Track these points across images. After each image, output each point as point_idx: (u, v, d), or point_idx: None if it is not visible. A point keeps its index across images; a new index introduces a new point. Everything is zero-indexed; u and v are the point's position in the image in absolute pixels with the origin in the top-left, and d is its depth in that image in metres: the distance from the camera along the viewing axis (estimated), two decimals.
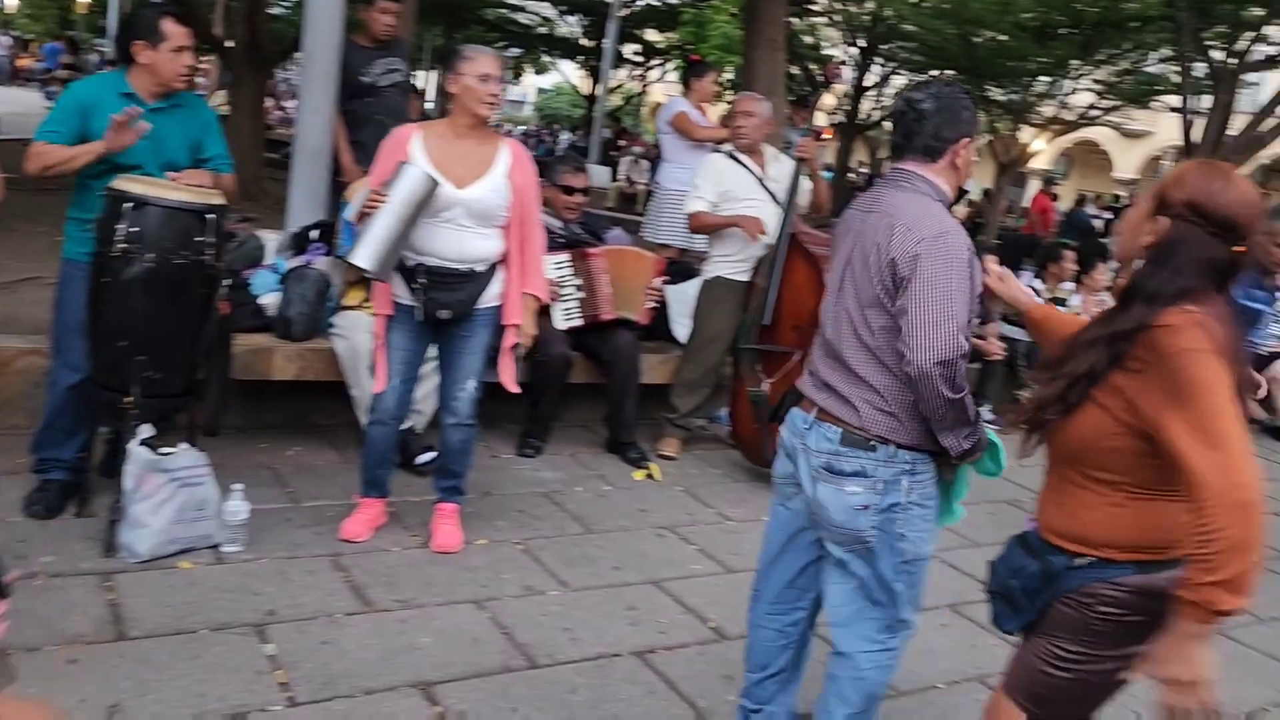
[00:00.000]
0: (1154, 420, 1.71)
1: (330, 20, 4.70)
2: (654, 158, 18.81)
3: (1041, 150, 20.39)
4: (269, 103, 19.95)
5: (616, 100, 27.82)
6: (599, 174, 17.99)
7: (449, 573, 3.39)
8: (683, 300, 5.27)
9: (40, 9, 32.28)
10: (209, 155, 3.48)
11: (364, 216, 3.15)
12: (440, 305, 3.36)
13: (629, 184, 16.43)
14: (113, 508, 3.15)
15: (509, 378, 3.60)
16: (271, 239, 4.73)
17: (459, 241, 3.33)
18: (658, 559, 3.77)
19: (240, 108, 9.53)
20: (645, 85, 28.82)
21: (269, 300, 4.29)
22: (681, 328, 5.21)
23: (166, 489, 3.15)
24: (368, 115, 5.03)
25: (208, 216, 3.18)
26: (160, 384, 3.18)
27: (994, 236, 18.98)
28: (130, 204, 3.07)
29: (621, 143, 20.51)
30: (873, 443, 2.17)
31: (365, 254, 3.12)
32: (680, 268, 5.56)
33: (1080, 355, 1.84)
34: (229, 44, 10.68)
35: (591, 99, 23.21)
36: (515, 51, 31.17)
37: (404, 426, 4.15)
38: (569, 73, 30.23)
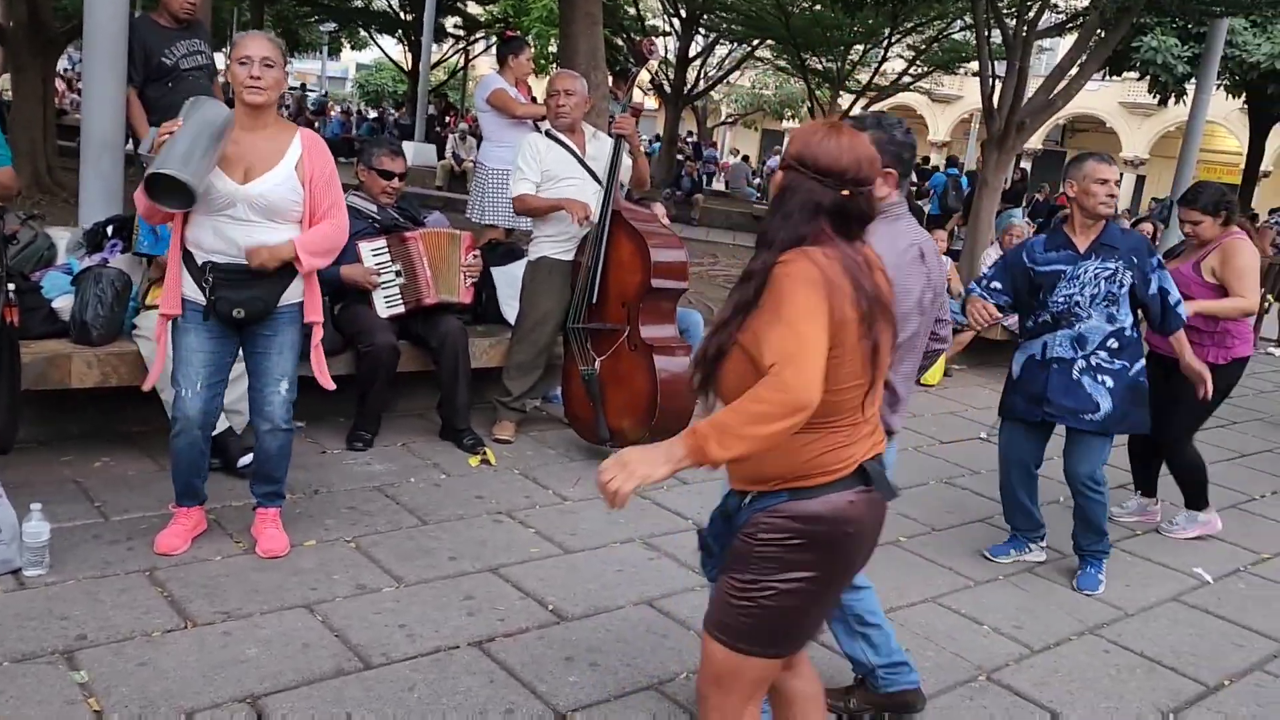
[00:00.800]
0: (760, 338, 1.89)
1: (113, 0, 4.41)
2: (480, 135, 18.62)
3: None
4: (60, 87, 18.61)
5: (440, 75, 27.26)
6: (424, 152, 17.66)
7: (276, 578, 3.29)
8: (510, 282, 5.24)
9: None
10: None
11: (161, 145, 2.94)
12: (233, 304, 3.21)
13: (456, 162, 16.15)
14: None
15: (322, 375, 3.49)
16: (63, 237, 4.43)
17: (245, 236, 3.19)
18: (495, 545, 3.75)
19: (25, 94, 8.85)
20: (469, 59, 28.34)
21: (63, 303, 4.02)
22: (510, 309, 5.18)
23: None
24: (169, 100, 4.75)
25: None
26: None
27: None
28: None
29: (448, 120, 20.12)
30: None
31: (171, 163, 2.88)
32: (506, 249, 5.52)
33: (725, 305, 2.02)
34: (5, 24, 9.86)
35: (414, 74, 22.66)
36: (331, 26, 30.09)
37: (223, 428, 3.99)
38: (389, 47, 29.38)
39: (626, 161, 4.74)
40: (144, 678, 2.65)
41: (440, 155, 17.60)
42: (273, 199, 3.19)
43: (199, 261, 3.20)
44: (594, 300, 4.59)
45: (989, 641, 3.47)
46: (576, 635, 3.17)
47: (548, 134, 4.72)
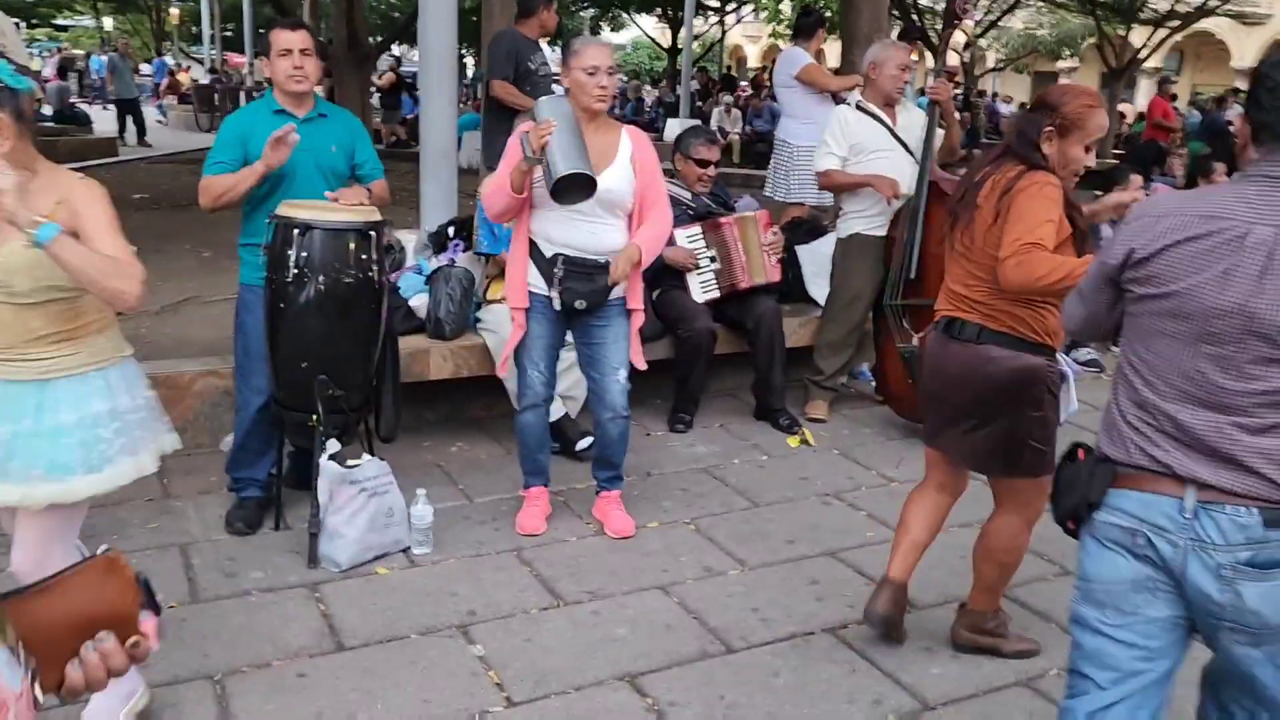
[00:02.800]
0: None
1: (446, 22, 4.74)
2: (744, 107, 18.55)
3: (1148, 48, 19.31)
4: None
5: (697, 49, 27.44)
6: (674, 128, 17.84)
7: (629, 559, 3.45)
8: (816, 259, 5.20)
9: (136, 25, 33.37)
10: (360, 161, 3.57)
11: (543, 148, 3.11)
12: (577, 295, 3.38)
13: (722, 136, 16.22)
14: (310, 521, 3.29)
15: (638, 356, 3.61)
16: (409, 239, 4.84)
17: (592, 234, 3.35)
18: (829, 529, 3.76)
19: (346, 104, 9.71)
20: (725, 31, 28.31)
21: (418, 302, 4.39)
22: (817, 288, 5.15)
23: (358, 500, 3.28)
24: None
25: (370, 234, 3.26)
26: (342, 400, 3.30)
27: (1113, 148, 18.16)
28: (297, 229, 3.17)
29: (734, 95, 20.04)
30: None
31: (571, 163, 3.07)
32: (811, 226, 5.48)
33: None
34: (324, 39, 10.89)
35: (673, 50, 22.94)
36: (591, 12, 30.95)
37: (559, 415, 4.23)
38: (647, 26, 29.88)
39: (940, 130, 4.56)
40: (532, 653, 2.87)
41: None
42: (616, 193, 3.33)
43: (548, 254, 3.38)
44: (912, 276, 4.47)
45: None
46: (930, 624, 3.11)
47: (858, 106, 4.62)
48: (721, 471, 4.26)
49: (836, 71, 6.74)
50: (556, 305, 3.41)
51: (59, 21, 35.59)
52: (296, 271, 3.17)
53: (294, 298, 3.20)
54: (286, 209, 3.23)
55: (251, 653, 2.81)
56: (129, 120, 15.68)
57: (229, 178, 3.32)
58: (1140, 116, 19.06)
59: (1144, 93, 24.28)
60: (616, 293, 3.46)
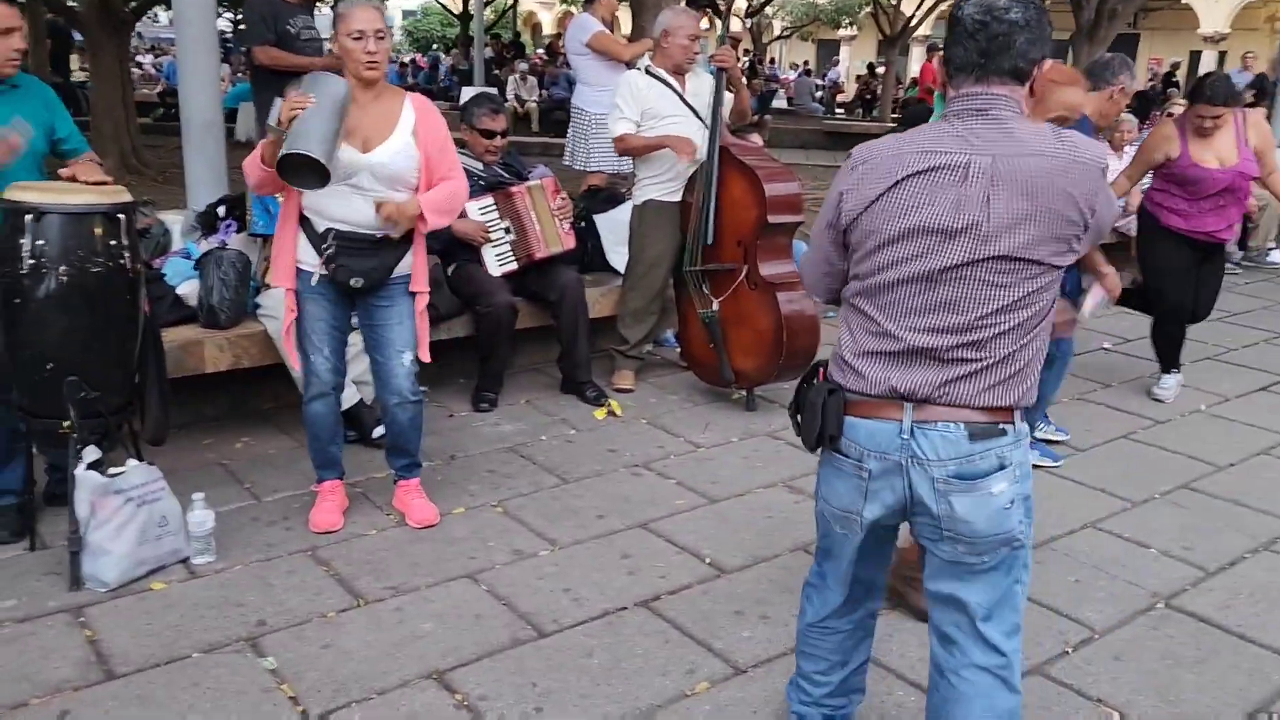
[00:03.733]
0: None
1: None
2: (541, 74, 18.30)
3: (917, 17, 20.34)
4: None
5: (490, 15, 26.88)
6: (469, 94, 17.44)
7: (433, 549, 3.30)
8: (615, 228, 5.15)
9: None
10: (62, 135, 3.24)
11: (291, 120, 2.87)
12: (352, 273, 3.18)
13: (519, 104, 15.95)
14: (70, 538, 2.95)
15: (424, 346, 3.41)
16: (175, 221, 4.44)
17: (369, 206, 3.14)
18: (639, 500, 3.72)
19: (103, 75, 8.91)
20: None
21: (187, 289, 4.04)
22: (616, 256, 5.10)
23: (124, 511, 2.97)
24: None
25: (119, 216, 2.93)
26: (97, 402, 2.97)
27: (891, 112, 19.07)
28: (29, 215, 2.81)
29: (528, 62, 19.69)
30: (1002, 426, 1.89)
31: (313, 145, 2.83)
32: (608, 194, 5.41)
33: None
34: (73, 4, 9.92)
35: (464, 17, 22.35)
36: None
37: (354, 401, 4.00)
38: None
39: (728, 95, 4.57)
40: (330, 660, 2.68)
41: (503, 98, 17.41)
42: (394, 167, 3.13)
43: (319, 228, 3.16)
44: (709, 241, 4.47)
45: (1160, 566, 3.35)
46: (740, 589, 3.12)
47: (647, 70, 4.56)
48: (529, 450, 4.15)
49: (630, 38, 6.68)
50: (328, 283, 3.18)
51: None
52: (33, 263, 2.81)
53: (31, 292, 2.84)
54: (14, 192, 2.85)
55: (4, 693, 2.49)
56: None
57: None
58: (914, 82, 20.14)
59: (916, 59, 25.57)
60: (400, 271, 3.26)
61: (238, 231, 4.20)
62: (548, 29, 38.02)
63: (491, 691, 2.58)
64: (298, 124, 2.84)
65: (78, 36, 16.84)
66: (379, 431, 4.03)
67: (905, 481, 1.92)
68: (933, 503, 1.91)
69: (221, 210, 4.27)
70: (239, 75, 15.41)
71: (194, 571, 3.10)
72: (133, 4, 9.27)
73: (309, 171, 2.87)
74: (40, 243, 2.81)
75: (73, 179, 2.98)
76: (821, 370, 2.06)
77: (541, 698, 2.56)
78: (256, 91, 5.30)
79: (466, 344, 4.53)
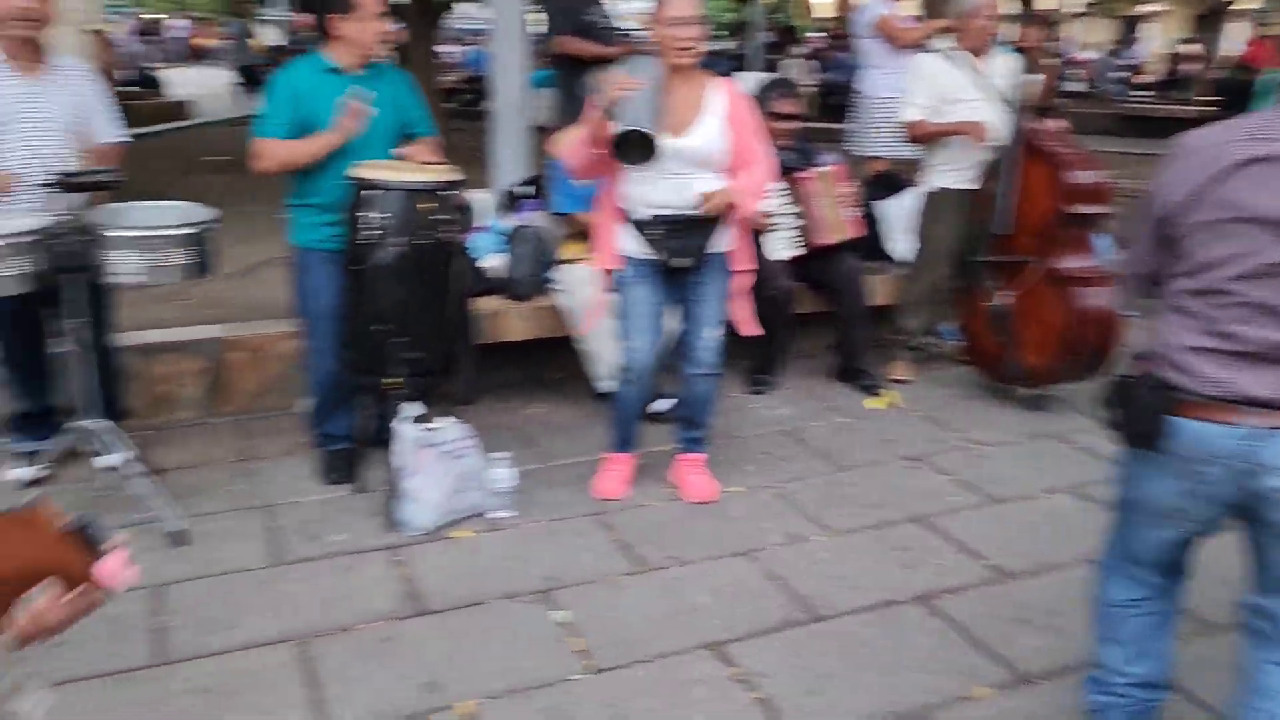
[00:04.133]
0: None
1: None
2: (823, 58, 18.08)
3: None
4: None
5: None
6: (749, 81, 17.47)
7: (711, 525, 3.39)
8: (898, 216, 5.04)
9: None
10: (413, 119, 3.52)
11: (615, 103, 3.03)
12: (677, 253, 3.29)
13: None
14: (390, 485, 3.28)
15: (746, 322, 3.52)
16: (481, 199, 4.78)
17: (685, 188, 3.24)
18: (915, 493, 3.65)
19: (415, 63, 9.67)
20: None
21: (491, 263, 4.35)
22: (898, 244, 4.99)
23: (438, 463, 3.26)
24: None
25: (445, 193, 3.20)
26: (419, 362, 3.27)
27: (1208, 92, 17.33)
28: (374, 191, 3.12)
29: (802, 47, 19.56)
30: None
31: (645, 122, 2.99)
32: (891, 180, 5.30)
33: None
34: None
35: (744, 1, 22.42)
36: None
37: None
38: None
39: (1028, 78, 4.34)
40: (614, 620, 2.83)
41: None
42: (705, 151, 3.22)
43: (638, 214, 3.29)
44: (1005, 230, 4.28)
45: None
46: (1023, 595, 3.00)
47: (943, 53, 4.42)
48: (804, 434, 4.16)
49: (922, 18, 6.48)
50: (657, 266, 3.31)
51: None
52: (373, 233, 3.13)
53: (370, 260, 3.16)
54: (361, 170, 3.18)
55: (335, 616, 2.81)
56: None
57: (289, 145, 3.28)
58: (1240, 62, 18.06)
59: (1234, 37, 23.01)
60: (720, 247, 3.35)
61: (539, 210, 4.47)
62: (824, 12, 37.47)
63: (768, 668, 2.62)
64: (626, 105, 2.99)
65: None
66: (658, 406, 4.18)
67: (1241, 486, 1.80)
68: (1273, 512, 1.77)
69: (524, 189, 4.57)
70: (537, 64, 16.25)
71: (494, 525, 3.35)
72: None
73: (639, 148, 3.02)
74: (381, 215, 3.12)
75: (405, 159, 3.27)
76: (1144, 366, 1.95)
77: (819, 681, 2.58)
78: (559, 79, 5.58)
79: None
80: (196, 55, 27.61)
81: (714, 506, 3.51)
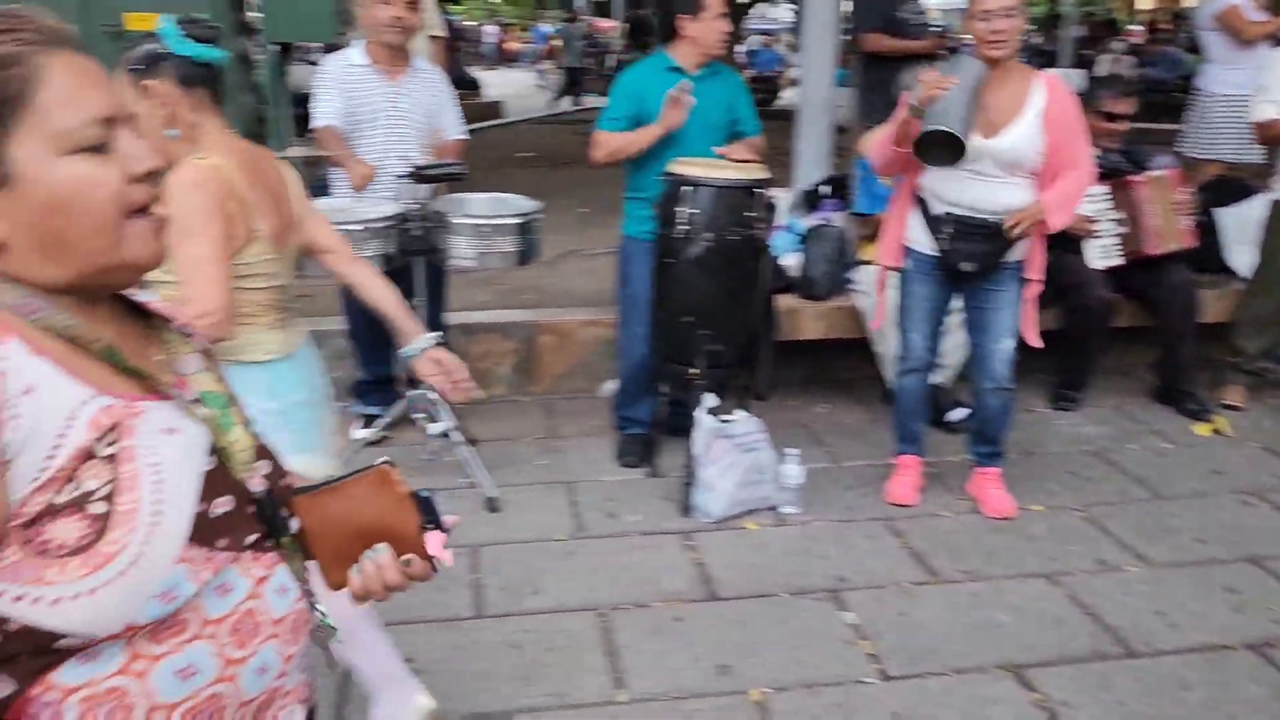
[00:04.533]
0: None
1: None
2: (1143, 54, 16.70)
3: None
4: None
5: None
6: (1074, 79, 16.38)
7: (1010, 542, 3.23)
8: (1239, 225, 4.56)
9: None
10: (739, 116, 3.58)
11: (928, 101, 2.94)
12: (964, 256, 3.17)
13: None
14: (685, 471, 3.38)
15: (1031, 332, 3.32)
16: (782, 197, 4.81)
17: (989, 192, 3.11)
18: (1249, 532, 3.30)
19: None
20: None
21: (789, 261, 4.36)
22: (1239, 256, 4.52)
23: (731, 454, 3.32)
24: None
25: (755, 191, 3.25)
26: (721, 355, 3.34)
27: None
28: (687, 186, 3.22)
29: (1122, 41, 18.20)
30: None
31: (953, 123, 2.91)
32: (1234, 186, 4.81)
33: None
34: None
35: None
36: None
37: (931, 381, 4.04)
38: None
39: None
40: (906, 628, 2.77)
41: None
42: (1017, 152, 3.08)
43: (935, 210, 3.21)
44: None
45: None
46: None
47: None
48: (1115, 456, 3.87)
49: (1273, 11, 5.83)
50: (941, 265, 3.23)
51: None
52: (685, 228, 3.24)
53: (681, 253, 3.27)
54: (678, 166, 3.29)
55: (632, 592, 2.93)
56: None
57: (622, 136, 3.45)
58: None
59: None
60: (1014, 255, 3.21)
61: (839, 210, 4.44)
62: (1146, 3, 34.56)
63: (1073, 699, 2.47)
64: (937, 104, 2.91)
65: None
66: (953, 415, 4.04)
67: None
68: None
69: (826, 189, 4.55)
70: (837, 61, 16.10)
71: (782, 520, 3.37)
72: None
73: (945, 149, 2.94)
74: (693, 211, 3.22)
75: (725, 157, 3.35)
76: None
77: (1131, 718, 2.40)
78: (865, 78, 5.51)
79: (1053, 338, 4.32)
80: (506, 59, 29.55)
81: (1012, 523, 3.34)
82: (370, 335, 3.89)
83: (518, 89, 18.94)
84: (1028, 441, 3.97)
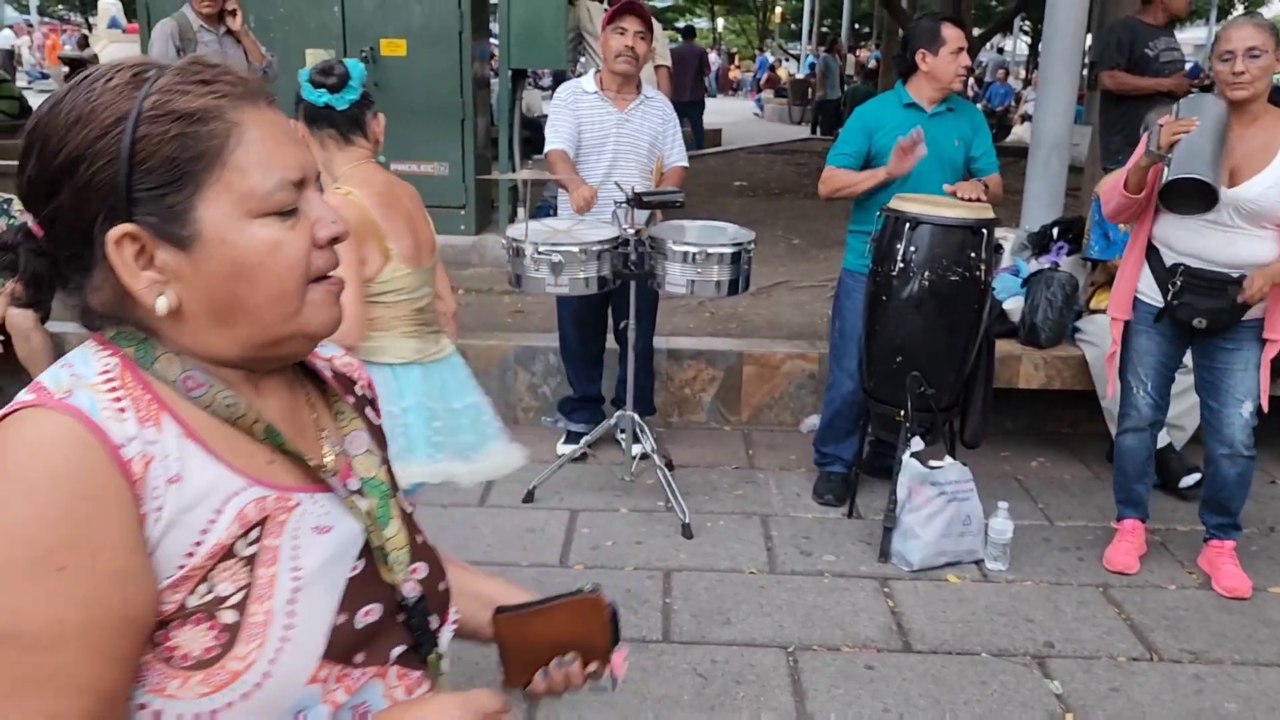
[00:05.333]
0: None
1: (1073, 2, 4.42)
2: None
3: None
4: None
5: None
6: None
7: (1242, 624, 2.96)
8: None
9: (743, 24, 36.50)
10: (977, 154, 3.48)
11: (1171, 145, 2.79)
12: (1196, 312, 2.94)
13: None
14: (886, 515, 3.29)
15: (1264, 394, 3.02)
16: (1007, 238, 4.61)
17: (1228, 244, 2.88)
18: None
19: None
20: None
21: (1012, 305, 4.18)
22: None
23: (936, 502, 3.21)
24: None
25: (981, 232, 3.14)
26: (931, 398, 3.24)
27: None
28: (907, 224, 3.15)
29: None
30: None
31: (1204, 168, 2.74)
32: None
33: None
34: None
35: None
36: None
37: (1163, 443, 3.76)
38: None
39: None
40: (1118, 706, 2.58)
41: None
42: (1263, 203, 2.83)
43: (1167, 262, 3.00)
44: None
45: None
46: None
47: None
48: None
49: None
50: (1168, 319, 3.01)
51: (679, 24, 40.21)
52: (902, 265, 3.17)
53: (897, 291, 3.20)
54: (899, 202, 3.23)
55: (822, 633, 2.88)
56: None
57: (850, 175, 3.42)
58: None
59: None
60: (1252, 314, 2.96)
61: (1069, 254, 4.22)
62: None
63: None
64: (1182, 148, 2.73)
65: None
66: (1187, 481, 3.75)
67: None
68: None
69: (1055, 231, 4.33)
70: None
71: (986, 575, 3.22)
72: (978, 30, 9.82)
73: (1194, 198, 2.75)
74: (912, 249, 3.15)
75: (952, 194, 3.26)
76: None
77: None
78: (1104, 116, 5.22)
79: None
80: (728, 87, 29.88)
81: (1246, 604, 3.06)
82: (581, 354, 4.01)
83: (736, 117, 19.12)
84: (1271, 516, 3.64)
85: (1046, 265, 4.14)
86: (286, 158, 0.82)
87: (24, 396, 0.77)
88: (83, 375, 0.79)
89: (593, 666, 1.07)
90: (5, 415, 0.76)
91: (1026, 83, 20.86)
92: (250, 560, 0.79)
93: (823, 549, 3.37)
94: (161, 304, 0.79)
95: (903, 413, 3.25)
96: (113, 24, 18.87)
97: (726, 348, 4.47)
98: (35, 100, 15.97)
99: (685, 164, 3.84)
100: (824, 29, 29.49)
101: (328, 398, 0.96)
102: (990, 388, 3.43)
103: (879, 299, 3.27)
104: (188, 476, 0.78)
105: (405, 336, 2.36)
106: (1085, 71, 6.50)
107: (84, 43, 22.13)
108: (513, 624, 1.06)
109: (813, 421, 4.23)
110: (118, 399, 0.78)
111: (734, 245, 3.35)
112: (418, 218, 2.40)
